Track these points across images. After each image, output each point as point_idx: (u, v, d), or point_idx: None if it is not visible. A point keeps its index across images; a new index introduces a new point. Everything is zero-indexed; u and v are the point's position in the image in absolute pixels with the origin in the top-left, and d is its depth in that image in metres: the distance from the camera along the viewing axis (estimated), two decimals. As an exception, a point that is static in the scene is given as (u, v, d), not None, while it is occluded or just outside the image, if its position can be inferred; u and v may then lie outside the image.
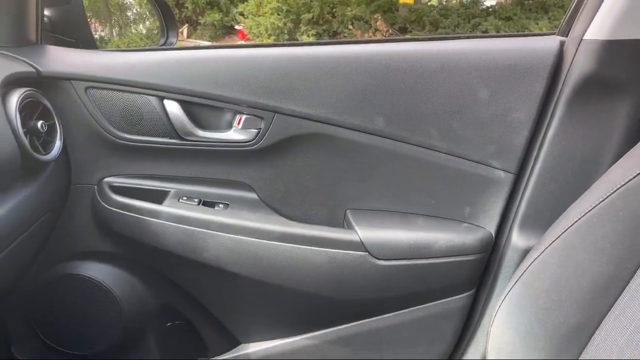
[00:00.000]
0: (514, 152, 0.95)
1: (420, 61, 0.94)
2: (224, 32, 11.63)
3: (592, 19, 0.86)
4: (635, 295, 0.67)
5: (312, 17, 9.35)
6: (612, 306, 0.70)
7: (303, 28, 9.63)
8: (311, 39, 9.06)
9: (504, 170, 0.97)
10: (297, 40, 9.34)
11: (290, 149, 1.02)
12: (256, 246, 1.00)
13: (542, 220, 0.93)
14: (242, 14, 10.68)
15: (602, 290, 0.70)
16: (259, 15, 10.07)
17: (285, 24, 9.73)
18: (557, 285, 0.74)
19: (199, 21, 11.75)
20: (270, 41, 9.27)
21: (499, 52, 0.94)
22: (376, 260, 0.99)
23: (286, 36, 9.46)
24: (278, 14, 9.66)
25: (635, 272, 0.68)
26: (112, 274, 1.09)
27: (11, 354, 1.13)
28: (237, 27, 11.12)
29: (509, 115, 0.94)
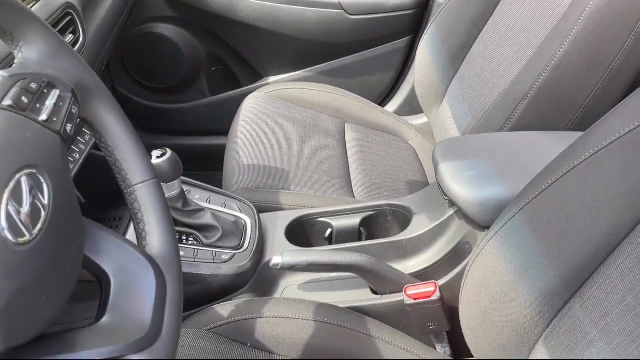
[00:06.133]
0: None
1: None
2: None
3: None
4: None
5: None
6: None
7: None
8: None
9: None
10: None
11: None
12: (273, 8, 1.55)
13: None
14: None
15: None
16: None
17: None
18: None
19: None
20: None
21: None
22: (349, 15, 1.55)
23: None
24: None
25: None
26: (176, 32, 1.64)
27: (115, 88, 1.73)
28: None
29: None
